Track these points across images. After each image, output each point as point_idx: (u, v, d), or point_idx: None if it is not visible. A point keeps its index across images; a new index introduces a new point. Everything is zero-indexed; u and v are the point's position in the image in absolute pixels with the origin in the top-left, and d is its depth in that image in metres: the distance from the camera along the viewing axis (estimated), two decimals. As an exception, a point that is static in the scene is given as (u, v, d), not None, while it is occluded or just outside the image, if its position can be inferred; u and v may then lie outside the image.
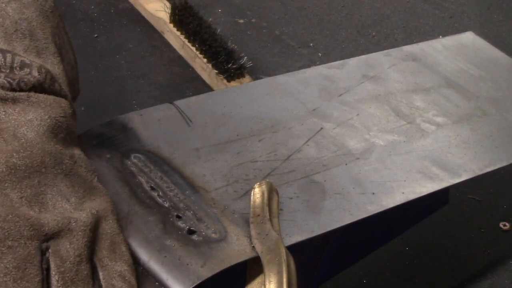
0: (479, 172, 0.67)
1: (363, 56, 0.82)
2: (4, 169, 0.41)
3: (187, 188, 0.54)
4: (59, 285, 0.39)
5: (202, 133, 0.61)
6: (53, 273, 0.40)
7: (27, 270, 0.39)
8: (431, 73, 0.82)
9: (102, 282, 0.42)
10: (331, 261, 0.70)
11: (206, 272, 0.46)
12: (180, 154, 0.58)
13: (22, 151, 0.43)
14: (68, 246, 0.41)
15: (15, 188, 0.41)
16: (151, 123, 0.61)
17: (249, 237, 0.51)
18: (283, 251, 0.48)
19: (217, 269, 0.47)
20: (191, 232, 0.50)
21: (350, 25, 1.59)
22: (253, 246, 0.50)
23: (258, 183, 0.54)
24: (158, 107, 0.63)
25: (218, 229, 0.51)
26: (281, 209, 0.55)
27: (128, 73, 1.33)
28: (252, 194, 0.54)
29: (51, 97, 0.47)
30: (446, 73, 0.82)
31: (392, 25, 1.61)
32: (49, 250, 0.40)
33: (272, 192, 0.54)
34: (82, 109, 1.20)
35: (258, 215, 0.52)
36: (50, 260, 0.40)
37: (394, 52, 0.84)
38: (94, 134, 0.57)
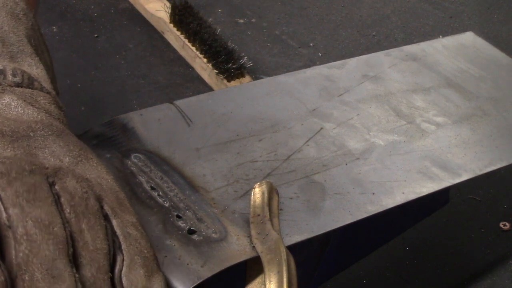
0: (479, 172, 0.67)
1: (363, 56, 0.82)
2: None
3: (187, 188, 0.54)
4: (71, 217, 0.39)
5: (202, 133, 0.62)
6: (64, 206, 0.39)
7: (37, 193, 0.38)
8: (431, 73, 0.82)
9: (117, 229, 0.41)
10: (331, 261, 0.70)
11: (206, 272, 0.46)
12: (180, 154, 0.58)
13: (5, 121, 0.42)
14: (74, 183, 0.41)
15: (7, 148, 0.41)
16: (151, 123, 0.61)
17: (249, 237, 0.51)
18: (283, 251, 0.48)
19: (217, 269, 0.47)
20: (191, 232, 0.50)
21: (350, 25, 1.59)
22: (253, 246, 0.50)
23: (258, 183, 0.54)
24: (158, 107, 0.63)
25: (218, 229, 0.51)
26: (281, 209, 0.55)
27: (128, 73, 1.33)
28: (252, 194, 0.54)
29: (27, 90, 0.46)
30: (446, 73, 0.82)
31: (392, 25, 1.61)
32: (56, 186, 0.40)
33: (272, 192, 0.54)
34: (82, 109, 1.20)
35: (258, 215, 0.52)
36: (60, 194, 0.40)
37: (394, 52, 0.84)
38: (94, 134, 0.57)
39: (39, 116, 0.45)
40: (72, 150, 0.44)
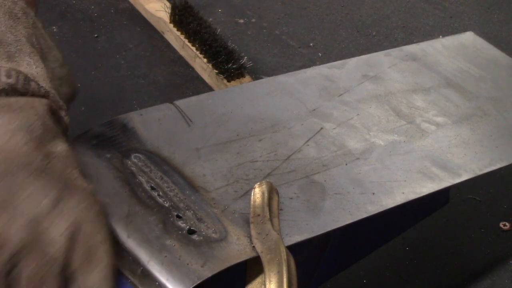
0: (479, 172, 0.67)
1: (363, 56, 0.82)
2: None
3: (187, 188, 0.54)
4: None
5: (202, 133, 0.62)
6: None
7: None
8: (431, 73, 0.82)
9: None
10: (331, 261, 0.70)
11: (207, 272, 0.46)
12: (180, 154, 0.58)
13: None
14: (34, 266, 0.41)
15: None
16: (151, 123, 0.61)
17: (249, 237, 0.51)
18: (283, 251, 0.48)
19: (217, 269, 0.47)
20: (191, 232, 0.50)
21: (350, 25, 1.59)
22: (253, 246, 0.50)
23: (258, 183, 0.54)
24: (158, 107, 0.63)
25: (218, 229, 0.51)
26: (281, 209, 0.55)
27: (128, 73, 1.33)
28: (252, 194, 0.54)
29: (22, 99, 0.46)
30: (446, 73, 0.82)
31: (392, 25, 1.61)
32: (13, 273, 0.40)
33: (272, 192, 0.54)
34: (82, 109, 1.20)
35: (258, 215, 0.52)
36: (15, 278, 0.40)
37: (394, 52, 0.84)
38: (94, 134, 0.57)
39: (24, 148, 0.44)
40: (52, 189, 0.43)
